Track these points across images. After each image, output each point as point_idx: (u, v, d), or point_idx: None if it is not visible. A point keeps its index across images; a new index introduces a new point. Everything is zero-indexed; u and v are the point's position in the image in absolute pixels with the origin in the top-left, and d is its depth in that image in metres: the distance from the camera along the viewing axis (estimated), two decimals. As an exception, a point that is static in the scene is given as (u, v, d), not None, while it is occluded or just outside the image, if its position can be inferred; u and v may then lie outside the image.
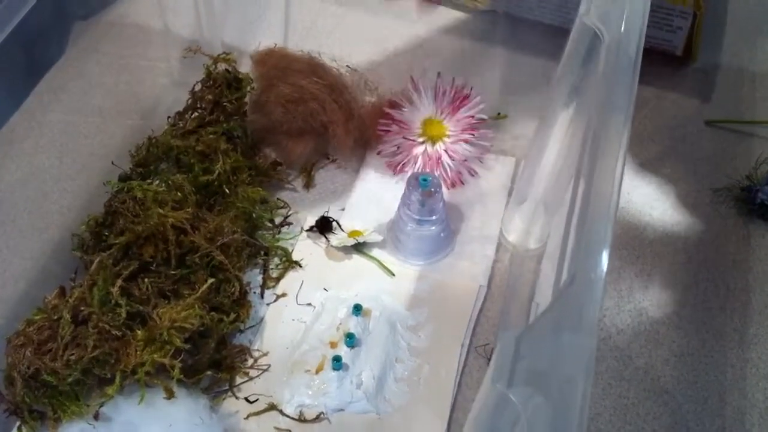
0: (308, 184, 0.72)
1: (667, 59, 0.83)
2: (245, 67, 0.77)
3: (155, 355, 0.54)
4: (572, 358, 0.36)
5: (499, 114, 0.78)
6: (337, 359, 0.60)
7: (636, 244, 0.71)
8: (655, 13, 0.81)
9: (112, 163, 0.67)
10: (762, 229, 0.72)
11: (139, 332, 0.55)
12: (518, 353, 0.37)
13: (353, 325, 0.63)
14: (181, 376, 0.54)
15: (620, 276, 0.69)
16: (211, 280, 0.58)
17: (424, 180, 0.65)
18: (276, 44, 0.77)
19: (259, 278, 0.65)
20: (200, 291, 0.57)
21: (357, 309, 0.63)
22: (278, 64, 0.73)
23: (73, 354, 0.53)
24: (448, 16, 0.86)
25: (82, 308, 0.55)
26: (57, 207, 0.67)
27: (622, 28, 0.52)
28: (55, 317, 0.55)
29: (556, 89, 0.62)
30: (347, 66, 0.76)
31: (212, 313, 0.58)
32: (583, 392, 0.34)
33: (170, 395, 0.54)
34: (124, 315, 0.55)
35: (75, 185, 0.67)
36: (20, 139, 0.71)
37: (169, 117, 0.72)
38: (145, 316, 0.56)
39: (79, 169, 0.68)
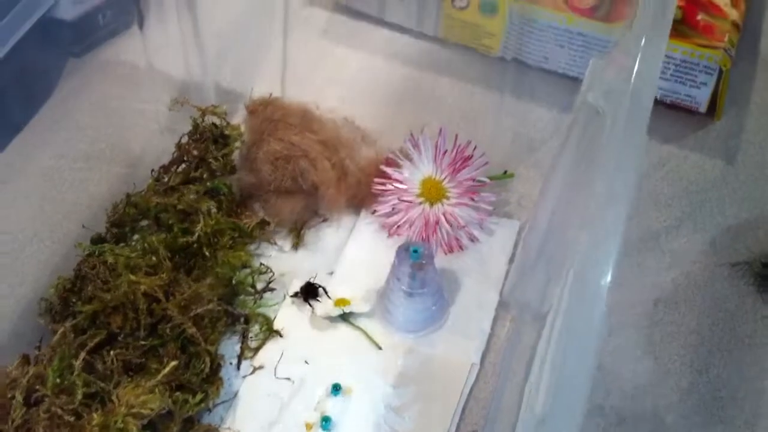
0: (297, 244, 0.68)
1: (691, 116, 0.79)
2: (239, 115, 0.73)
3: (109, 445, 0.50)
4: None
5: (505, 172, 0.73)
6: (310, 445, 0.56)
7: (644, 322, 0.66)
8: (679, 68, 0.76)
9: (83, 226, 0.63)
10: (782, 308, 0.67)
11: (94, 416, 0.51)
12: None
13: (332, 405, 0.59)
14: (138, 465, 0.51)
15: (621, 357, 0.64)
16: (173, 363, 0.54)
17: (415, 251, 0.61)
18: (271, 93, 0.73)
19: (237, 347, 0.62)
20: (162, 374, 0.53)
21: (336, 388, 0.60)
22: (272, 116, 0.70)
23: (21, 439, 0.50)
24: (455, 61, 0.82)
25: (37, 388, 0.51)
26: (32, 263, 0.64)
27: (627, 107, 0.48)
28: (10, 396, 0.52)
29: (556, 159, 0.58)
30: (344, 118, 0.72)
31: (177, 393, 0.54)
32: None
33: (122, 488, 0.50)
34: (80, 396, 0.52)
35: (51, 242, 0.64)
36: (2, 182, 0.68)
37: (153, 170, 0.68)
38: (104, 397, 0.53)
39: (60, 221, 0.65)
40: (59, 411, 0.50)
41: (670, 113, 0.79)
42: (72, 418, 0.51)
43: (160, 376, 0.53)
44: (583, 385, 0.39)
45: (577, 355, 0.40)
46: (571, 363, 0.39)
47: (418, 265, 0.61)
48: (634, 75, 0.48)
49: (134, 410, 0.51)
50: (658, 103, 0.78)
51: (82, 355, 0.55)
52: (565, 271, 0.49)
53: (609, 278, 0.41)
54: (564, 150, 0.57)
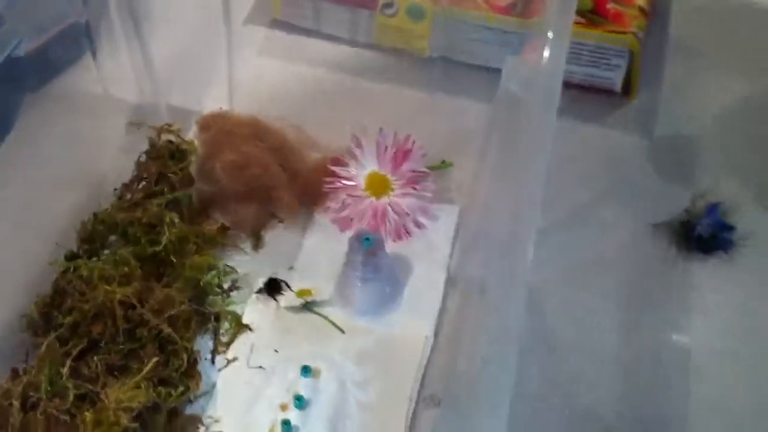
0: (257, 246, 0.74)
1: (609, 97, 0.85)
2: (193, 129, 0.78)
3: (104, 437, 0.55)
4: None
5: (443, 162, 0.80)
6: (286, 422, 0.62)
7: (578, 285, 0.72)
8: (593, 53, 0.83)
9: (56, 244, 0.68)
10: (701, 261, 0.74)
11: (87, 414, 0.56)
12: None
13: (303, 386, 0.64)
14: (131, 454, 0.56)
15: (562, 317, 0.70)
16: (154, 360, 0.59)
17: (367, 239, 0.67)
18: (221, 107, 0.79)
19: (210, 344, 0.67)
20: (145, 371, 0.58)
21: (306, 370, 0.65)
22: (223, 128, 0.75)
23: (23, 442, 0.55)
24: (390, 65, 0.88)
25: (31, 394, 0.56)
26: (8, 286, 0.68)
27: (540, 92, 0.54)
28: (7, 403, 0.56)
29: (485, 146, 0.65)
30: (291, 125, 0.77)
31: (160, 388, 0.59)
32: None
33: (119, 475, 0.55)
34: (72, 397, 0.57)
35: (25, 263, 0.69)
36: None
37: (115, 189, 0.73)
38: (94, 397, 0.58)
39: (29, 246, 0.70)
40: (54, 412, 0.55)
41: (590, 96, 0.86)
42: (66, 418, 0.56)
43: (144, 372, 0.58)
44: (515, 338, 0.45)
45: (507, 317, 0.46)
46: (503, 323, 0.45)
47: (370, 252, 0.67)
48: (543, 63, 0.54)
49: (123, 405, 0.56)
50: (577, 87, 0.85)
51: (68, 362, 0.59)
52: (496, 248, 0.55)
53: (531, 252, 0.47)
54: (490, 137, 0.64)
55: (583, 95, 0.86)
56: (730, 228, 0.75)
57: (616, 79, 0.84)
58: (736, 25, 0.90)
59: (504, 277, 0.48)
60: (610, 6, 0.84)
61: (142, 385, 0.58)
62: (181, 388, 0.60)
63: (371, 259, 0.67)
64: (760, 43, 0.80)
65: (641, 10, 0.85)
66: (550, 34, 0.56)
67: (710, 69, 0.88)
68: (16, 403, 0.55)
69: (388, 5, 0.86)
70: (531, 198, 0.50)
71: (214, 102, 0.81)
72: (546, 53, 0.56)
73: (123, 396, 0.56)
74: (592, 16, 0.83)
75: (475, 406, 0.42)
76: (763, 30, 0.78)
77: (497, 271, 0.51)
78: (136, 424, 0.57)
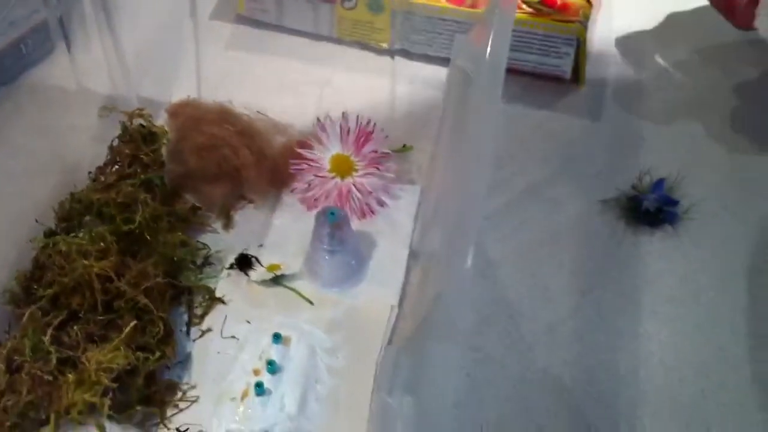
0: (227, 225, 0.77)
1: (559, 84, 0.90)
2: (162, 120, 0.82)
3: (86, 395, 0.58)
4: (440, 363, 0.41)
5: (404, 146, 0.84)
6: (259, 385, 0.65)
7: (533, 259, 0.77)
8: (543, 42, 0.88)
9: (36, 221, 0.71)
10: (648, 234, 0.79)
11: (69, 375, 0.59)
12: (397, 364, 0.43)
13: (274, 352, 0.68)
14: (111, 412, 0.59)
15: (519, 288, 0.75)
16: (133, 323, 0.62)
17: (332, 214, 0.70)
18: (189, 96, 0.82)
19: (185, 317, 0.70)
20: (124, 333, 0.61)
21: (277, 337, 0.68)
22: (192, 115, 0.78)
23: (9, 400, 0.57)
24: (351, 56, 0.92)
25: (16, 358, 0.59)
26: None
27: (486, 67, 0.58)
28: (-8, 368, 0.59)
29: (440, 124, 0.69)
30: (257, 112, 0.81)
31: (138, 352, 0.62)
32: (445, 393, 0.39)
33: (101, 431, 0.58)
34: (54, 361, 0.60)
35: (4, 243, 0.71)
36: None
37: (90, 172, 0.76)
38: (75, 361, 0.61)
39: (8, 227, 0.72)
40: (38, 373, 0.58)
41: (541, 83, 0.91)
42: (50, 378, 0.58)
43: (123, 335, 0.61)
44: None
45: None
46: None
47: (336, 225, 0.70)
48: (490, 40, 0.58)
49: (104, 366, 0.59)
50: (530, 74, 0.90)
51: (50, 331, 0.62)
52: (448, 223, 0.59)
53: (478, 221, 0.50)
54: (444, 115, 0.68)
55: (535, 82, 0.91)
56: (675, 202, 0.80)
57: (565, 67, 0.89)
58: (679, 14, 0.95)
59: (452, 246, 0.51)
60: (557, -3, 0.89)
61: (121, 348, 0.60)
62: (158, 353, 0.63)
63: (337, 232, 0.70)
64: (701, 30, 0.85)
65: (587, 0, 0.90)
66: (496, 13, 0.60)
67: (654, 55, 0.93)
68: (2, 366, 0.58)
69: (348, -1, 0.90)
70: (479, 172, 0.53)
71: (182, 93, 0.85)
72: (491, 31, 0.59)
73: (103, 358, 0.59)
74: (540, 6, 0.88)
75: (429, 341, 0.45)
76: (704, 19, 0.84)
77: (447, 243, 0.54)
78: (116, 385, 0.60)
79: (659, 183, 0.80)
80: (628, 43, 0.95)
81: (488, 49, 0.58)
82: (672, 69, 0.83)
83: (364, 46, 0.93)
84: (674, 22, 0.90)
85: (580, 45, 0.87)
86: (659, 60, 0.87)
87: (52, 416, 0.58)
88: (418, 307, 0.71)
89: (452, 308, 0.44)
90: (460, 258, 0.47)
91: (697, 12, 0.82)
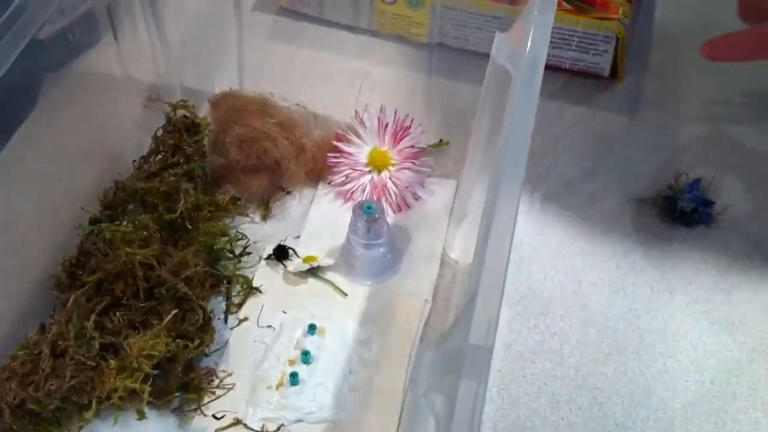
0: (266, 216, 0.79)
1: (597, 81, 0.90)
2: (204, 109, 0.83)
3: (127, 382, 0.60)
4: (471, 364, 0.42)
5: (441, 140, 0.84)
6: (293, 375, 0.67)
7: (567, 254, 0.77)
8: (582, 39, 0.88)
9: (82, 208, 0.73)
10: (683, 234, 0.79)
11: (111, 361, 0.61)
12: (431, 363, 0.44)
13: (309, 343, 0.69)
14: (151, 398, 0.61)
15: (552, 284, 0.75)
16: (174, 311, 0.64)
17: (369, 207, 0.72)
18: (231, 87, 0.83)
19: (223, 305, 0.72)
20: (165, 321, 0.63)
21: (312, 328, 0.70)
22: (233, 106, 0.80)
23: (53, 384, 0.60)
24: (390, 50, 0.93)
25: (60, 342, 0.61)
26: (35, 249, 0.73)
27: (525, 66, 0.58)
28: (36, 352, 0.61)
29: (477, 120, 0.69)
30: (297, 104, 0.82)
31: (178, 340, 0.64)
32: (478, 391, 0.40)
33: (141, 416, 0.60)
34: (97, 347, 0.62)
35: (51, 228, 0.73)
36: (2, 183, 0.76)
37: (134, 161, 0.78)
38: (117, 347, 0.63)
39: (55, 213, 0.74)
40: (82, 358, 0.60)
41: (579, 79, 0.91)
42: (93, 363, 0.60)
43: (163, 323, 0.63)
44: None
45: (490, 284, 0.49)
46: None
47: (372, 219, 0.71)
48: (530, 39, 0.59)
49: (145, 353, 0.61)
50: (568, 71, 0.90)
51: (93, 317, 0.64)
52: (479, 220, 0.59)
53: (513, 224, 0.50)
54: (482, 111, 0.68)
55: (574, 79, 0.91)
56: (710, 203, 0.80)
57: (604, 64, 0.89)
58: (718, 12, 0.95)
59: (486, 244, 0.51)
60: (597, -5, 0.89)
61: (162, 336, 0.62)
62: (197, 341, 0.65)
63: (372, 225, 0.72)
64: (745, 27, 0.85)
65: (628, -2, 0.90)
66: (535, 12, 0.61)
67: (693, 53, 0.93)
68: (47, 350, 0.60)
69: (389, -7, 0.91)
70: (515, 171, 0.53)
71: (225, 83, 0.86)
72: (531, 30, 0.60)
73: (144, 345, 0.61)
74: (580, 4, 0.88)
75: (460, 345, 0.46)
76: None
77: (481, 240, 0.55)
78: (156, 372, 0.62)
79: (695, 183, 0.80)
80: (670, 39, 0.95)
81: (527, 47, 0.59)
82: (711, 68, 0.83)
83: (403, 39, 0.93)
84: (717, 20, 0.90)
85: (619, 43, 0.87)
86: (699, 58, 0.86)
87: (94, 401, 0.60)
88: (451, 303, 0.72)
89: (486, 307, 0.45)
90: (495, 256, 0.48)
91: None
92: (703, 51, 0.79)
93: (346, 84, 0.89)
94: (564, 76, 0.91)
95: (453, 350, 0.43)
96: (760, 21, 0.78)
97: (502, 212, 0.50)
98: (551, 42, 0.86)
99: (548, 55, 0.90)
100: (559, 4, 0.87)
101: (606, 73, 0.90)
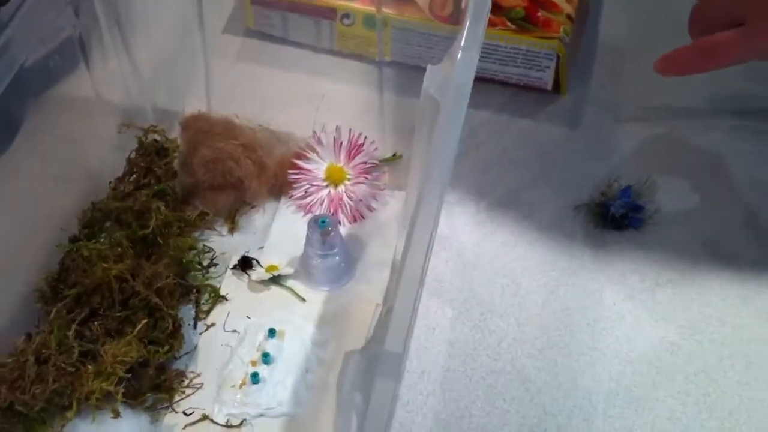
0: (232, 229, 0.86)
1: (541, 95, 0.97)
2: (176, 128, 0.90)
3: (103, 385, 0.68)
4: (385, 367, 0.49)
5: (395, 154, 0.92)
6: (255, 375, 0.74)
7: (507, 259, 0.85)
8: (526, 57, 0.95)
9: (61, 228, 0.80)
10: (615, 237, 0.86)
11: (89, 367, 0.69)
12: (355, 367, 0.51)
13: (269, 345, 0.77)
14: (125, 399, 0.69)
15: (493, 287, 0.83)
16: (145, 320, 0.72)
17: (323, 222, 0.79)
18: (200, 108, 0.91)
19: (192, 312, 0.79)
20: (136, 330, 0.71)
21: (272, 332, 0.77)
22: (201, 129, 0.87)
23: (38, 388, 0.67)
24: (349, 68, 1.00)
25: (44, 351, 0.69)
26: (21, 266, 0.80)
27: (452, 93, 0.65)
28: (23, 359, 0.69)
29: (416, 141, 0.77)
30: (260, 125, 0.89)
31: (150, 346, 0.72)
32: (391, 390, 0.48)
33: (116, 415, 0.69)
34: (77, 354, 0.69)
35: (35, 247, 0.80)
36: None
37: (110, 182, 0.85)
38: (95, 353, 0.70)
39: (37, 233, 0.81)
40: (63, 365, 0.68)
41: (525, 93, 0.98)
42: (72, 369, 0.68)
43: (135, 332, 0.70)
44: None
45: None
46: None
47: (325, 232, 0.78)
48: (455, 71, 0.65)
49: (119, 359, 0.69)
50: (515, 86, 0.97)
51: (73, 326, 0.72)
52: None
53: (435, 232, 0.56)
54: (419, 134, 0.75)
55: (520, 93, 0.98)
56: (640, 208, 0.87)
57: (547, 79, 0.96)
58: (660, 28, 1.02)
59: (400, 264, 0.57)
60: (540, 14, 0.96)
61: (134, 343, 0.70)
62: (167, 347, 0.73)
63: (326, 238, 0.79)
64: (684, 41, 0.90)
65: (568, 16, 0.96)
66: (462, 43, 0.67)
67: (634, 67, 1.00)
68: (31, 358, 0.68)
69: (346, 16, 0.98)
70: (438, 179, 0.60)
71: (195, 104, 0.93)
72: (458, 59, 0.66)
73: (118, 352, 0.69)
74: (523, 23, 0.95)
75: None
76: (683, 30, 0.89)
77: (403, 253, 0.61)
78: (129, 375, 0.70)
79: (626, 190, 0.87)
80: (613, 53, 1.01)
81: (453, 81, 0.65)
82: (650, 81, 0.89)
83: (361, 58, 1.00)
84: (660, 35, 0.95)
85: (560, 60, 0.94)
86: (639, 71, 0.92)
87: (75, 402, 0.68)
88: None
89: (400, 318, 0.52)
90: (411, 268, 0.55)
91: (682, 24, 0.87)
92: (656, 66, 0.85)
93: (307, 103, 0.96)
94: (511, 90, 0.98)
95: (371, 356, 0.51)
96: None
97: (416, 244, 0.57)
98: (498, 59, 0.94)
99: (496, 71, 0.99)
100: (503, 24, 0.95)
101: (549, 87, 0.97)
